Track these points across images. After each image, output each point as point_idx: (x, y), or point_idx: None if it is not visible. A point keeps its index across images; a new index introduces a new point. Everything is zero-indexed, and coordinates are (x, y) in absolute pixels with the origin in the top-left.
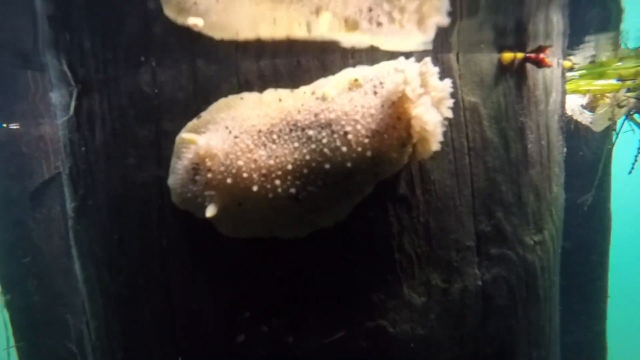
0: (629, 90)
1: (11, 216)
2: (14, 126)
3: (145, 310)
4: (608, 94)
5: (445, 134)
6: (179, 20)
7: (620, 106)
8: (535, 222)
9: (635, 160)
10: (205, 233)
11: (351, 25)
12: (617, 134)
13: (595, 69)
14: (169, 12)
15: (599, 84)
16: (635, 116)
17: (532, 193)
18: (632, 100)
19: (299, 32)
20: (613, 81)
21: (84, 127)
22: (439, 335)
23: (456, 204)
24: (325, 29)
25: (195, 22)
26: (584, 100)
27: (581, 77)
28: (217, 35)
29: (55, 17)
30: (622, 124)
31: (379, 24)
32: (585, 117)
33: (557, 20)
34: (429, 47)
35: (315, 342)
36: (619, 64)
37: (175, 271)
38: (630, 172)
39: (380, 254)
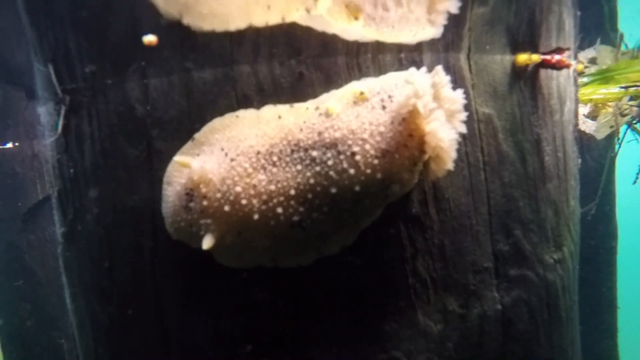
0: (631, 98)
1: (3, 238)
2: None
3: (137, 344)
4: (610, 103)
5: (459, 148)
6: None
7: (623, 115)
8: (555, 239)
9: None
10: (202, 260)
11: (353, 9)
12: (620, 143)
13: (603, 74)
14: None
15: (602, 92)
16: (638, 125)
17: (551, 208)
18: (635, 109)
19: (296, 15)
20: (616, 89)
21: (73, 148)
22: None
23: (472, 223)
24: (324, 12)
25: (150, 40)
26: (586, 109)
27: (586, 85)
28: (207, 24)
29: (38, 14)
30: (625, 132)
31: (385, 9)
32: (588, 126)
33: (569, 21)
34: (438, 35)
35: None
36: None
37: (170, 301)
38: (634, 183)
39: (392, 280)
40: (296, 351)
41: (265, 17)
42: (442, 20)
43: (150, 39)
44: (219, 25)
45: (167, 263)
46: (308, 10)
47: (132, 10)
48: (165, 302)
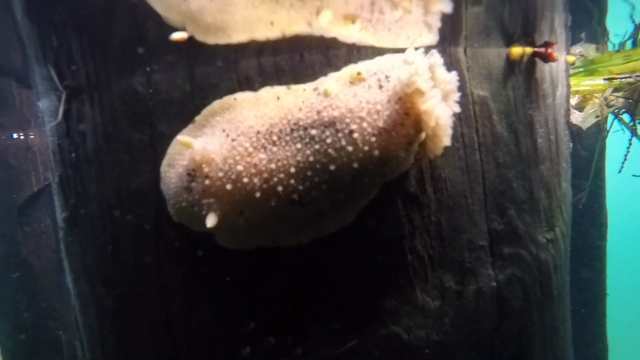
0: (615, 90)
1: None
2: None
3: (142, 326)
4: (596, 94)
5: (455, 129)
6: (170, 16)
7: (609, 106)
8: (547, 220)
9: (625, 160)
10: (205, 242)
11: (351, 19)
12: (608, 132)
13: (587, 66)
14: (158, 6)
15: (588, 84)
16: (625, 116)
17: (543, 189)
18: (621, 100)
19: (297, 29)
20: (601, 81)
21: (74, 132)
22: (454, 340)
23: (468, 202)
24: (325, 24)
25: (180, 36)
26: (574, 100)
27: (571, 76)
28: (211, 40)
29: (39, 20)
30: (612, 122)
31: (382, 12)
32: (575, 117)
33: (560, 30)
34: (434, 41)
35: (326, 353)
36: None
37: (174, 283)
38: (619, 172)
39: (391, 257)
40: (298, 328)
41: (266, 32)
42: (436, 21)
43: (180, 35)
44: (222, 38)
45: (171, 245)
46: (309, 24)
47: (134, 15)
48: (169, 284)
